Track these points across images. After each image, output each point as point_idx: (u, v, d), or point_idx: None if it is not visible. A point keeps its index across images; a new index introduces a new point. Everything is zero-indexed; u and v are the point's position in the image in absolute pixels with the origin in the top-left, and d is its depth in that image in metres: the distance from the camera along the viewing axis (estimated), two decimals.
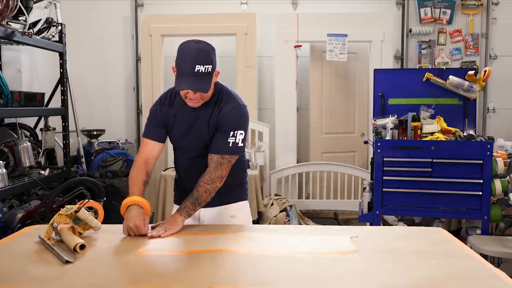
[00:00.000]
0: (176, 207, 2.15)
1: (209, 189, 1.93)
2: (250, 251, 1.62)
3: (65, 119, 3.85)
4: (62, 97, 3.85)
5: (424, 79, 3.65)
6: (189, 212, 1.92)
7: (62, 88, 3.85)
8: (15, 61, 4.22)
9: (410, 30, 5.02)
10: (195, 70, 1.80)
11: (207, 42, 1.91)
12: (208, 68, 1.84)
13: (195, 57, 1.82)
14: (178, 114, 2.03)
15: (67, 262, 1.49)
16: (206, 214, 2.10)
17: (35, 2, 3.29)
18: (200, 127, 1.99)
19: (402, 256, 1.58)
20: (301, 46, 4.78)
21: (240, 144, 1.97)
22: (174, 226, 1.86)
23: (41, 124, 3.85)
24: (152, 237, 1.78)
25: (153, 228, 1.88)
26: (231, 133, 1.94)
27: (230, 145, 1.94)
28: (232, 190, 2.10)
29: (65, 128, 3.87)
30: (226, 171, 1.96)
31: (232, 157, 1.97)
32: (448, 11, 4.97)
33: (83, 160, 4.56)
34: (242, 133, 1.96)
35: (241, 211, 2.13)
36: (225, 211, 2.09)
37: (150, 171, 2.05)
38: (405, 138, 3.34)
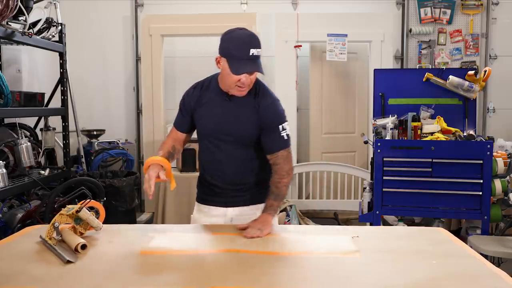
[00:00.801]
0: (198, 205, 2.16)
1: (286, 183, 2.00)
2: (250, 251, 1.62)
3: (65, 119, 3.85)
4: (62, 97, 3.85)
5: (424, 79, 3.65)
6: (275, 209, 1.97)
7: (62, 88, 3.85)
8: (15, 61, 4.22)
9: (410, 30, 5.02)
10: (250, 54, 1.84)
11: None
12: (259, 51, 1.88)
13: (248, 41, 1.86)
14: (210, 102, 2.03)
15: (68, 262, 1.50)
16: (233, 214, 2.08)
17: (35, 2, 3.29)
18: (236, 117, 1.99)
19: (402, 256, 1.58)
20: (301, 46, 4.78)
21: (289, 134, 2.04)
22: (266, 226, 1.87)
23: (41, 124, 3.85)
24: (247, 237, 1.79)
25: (241, 229, 1.88)
26: (280, 127, 1.99)
27: (285, 138, 2.00)
28: (261, 190, 2.09)
29: (65, 128, 3.87)
30: (291, 162, 2.04)
31: (290, 148, 2.03)
32: (448, 11, 4.97)
33: (83, 160, 4.56)
34: (287, 123, 2.03)
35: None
36: (255, 211, 2.07)
37: (177, 147, 2.08)
38: (405, 138, 3.34)
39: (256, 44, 1.87)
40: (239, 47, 1.86)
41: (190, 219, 2.24)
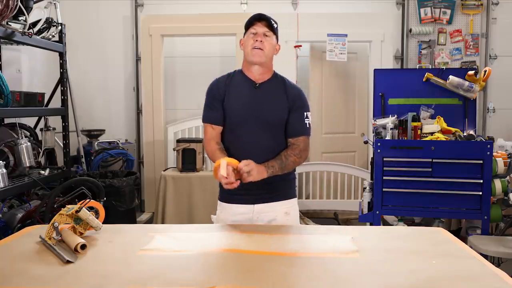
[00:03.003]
0: (221, 204, 2.15)
1: (295, 161, 2.05)
2: (250, 251, 1.62)
3: (65, 119, 3.85)
4: (62, 97, 3.85)
5: (424, 79, 3.65)
6: (274, 172, 1.99)
7: (62, 88, 3.85)
8: (15, 61, 4.23)
9: (410, 30, 5.02)
10: (265, 16, 2.05)
11: None
12: (275, 24, 2.07)
13: (263, 13, 2.08)
14: (239, 89, 2.08)
15: (68, 262, 1.49)
16: (261, 210, 2.08)
17: (35, 2, 3.29)
18: (266, 102, 2.04)
19: (402, 256, 1.58)
20: (301, 46, 4.78)
21: (311, 124, 2.13)
22: (257, 175, 1.90)
23: (41, 124, 3.85)
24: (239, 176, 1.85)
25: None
26: (305, 114, 2.09)
27: (308, 126, 2.10)
28: (288, 185, 2.12)
29: (65, 128, 3.87)
30: (308, 150, 2.10)
31: (309, 137, 2.11)
32: (448, 11, 4.97)
33: (83, 160, 4.56)
34: (310, 114, 2.13)
35: (293, 208, 2.16)
36: (280, 208, 2.09)
37: (218, 142, 2.10)
38: (405, 138, 3.34)
39: (271, 17, 2.06)
40: (254, 15, 2.07)
41: (211, 218, 2.23)
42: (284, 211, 2.10)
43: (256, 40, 2.02)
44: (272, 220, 2.08)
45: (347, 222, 4.63)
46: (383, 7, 5.07)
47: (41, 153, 3.62)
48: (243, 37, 2.09)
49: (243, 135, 2.06)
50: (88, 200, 1.84)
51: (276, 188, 2.08)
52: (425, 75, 3.64)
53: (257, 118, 2.04)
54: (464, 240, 3.04)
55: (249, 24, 2.05)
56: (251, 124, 2.04)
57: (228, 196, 2.12)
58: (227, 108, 2.07)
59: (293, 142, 2.08)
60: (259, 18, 2.04)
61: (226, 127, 2.10)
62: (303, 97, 2.13)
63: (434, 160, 3.17)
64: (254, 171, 1.89)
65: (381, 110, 3.69)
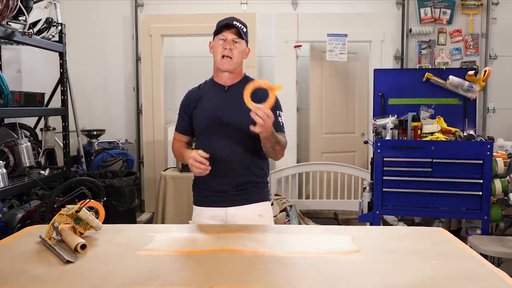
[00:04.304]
0: (196, 208, 2.17)
1: (283, 147, 2.03)
2: (250, 251, 1.62)
3: (65, 119, 3.85)
4: (62, 97, 3.85)
5: (424, 79, 3.65)
6: (274, 138, 1.93)
7: (62, 88, 3.85)
8: (15, 61, 4.23)
9: (410, 30, 5.02)
10: (233, 22, 2.04)
11: None
12: (244, 28, 2.06)
13: (232, 17, 2.07)
14: (208, 95, 2.10)
15: (68, 262, 1.49)
16: (234, 213, 2.09)
17: (35, 2, 3.29)
18: (235, 105, 2.02)
19: (402, 256, 1.58)
20: (301, 46, 4.78)
21: (284, 124, 2.13)
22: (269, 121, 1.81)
23: (41, 124, 3.85)
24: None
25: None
26: (277, 112, 2.07)
27: (281, 123, 2.09)
28: (260, 188, 2.13)
29: (65, 128, 3.87)
30: (286, 143, 2.08)
31: (285, 135, 2.10)
32: (448, 11, 4.97)
33: (83, 160, 4.56)
34: (283, 113, 2.13)
35: (267, 210, 2.16)
36: (254, 211, 2.10)
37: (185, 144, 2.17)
38: (405, 138, 3.34)
39: (240, 21, 2.06)
40: (223, 20, 2.07)
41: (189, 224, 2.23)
42: (258, 213, 2.10)
43: (225, 48, 2.03)
44: (247, 221, 2.07)
45: (347, 222, 4.63)
46: (383, 7, 5.07)
47: (41, 153, 3.62)
48: (213, 39, 2.10)
49: (214, 138, 2.06)
50: (88, 200, 1.84)
51: (249, 191, 2.09)
52: (425, 75, 3.64)
53: (227, 120, 2.04)
54: (464, 240, 3.04)
55: (218, 30, 2.06)
56: (223, 126, 2.04)
57: (202, 198, 2.15)
58: (197, 115, 2.10)
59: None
60: (228, 25, 2.04)
61: (198, 133, 2.13)
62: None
63: (434, 160, 3.17)
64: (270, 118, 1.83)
65: (381, 110, 3.69)
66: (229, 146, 2.05)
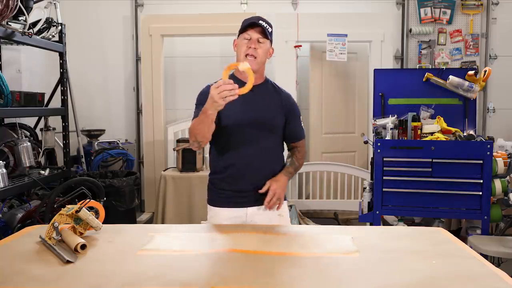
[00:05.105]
0: (212, 208, 2.15)
1: (302, 163, 2.20)
2: (250, 251, 1.62)
3: (65, 119, 3.85)
4: (62, 97, 3.85)
5: (424, 79, 3.65)
6: (290, 176, 2.14)
7: (62, 88, 3.85)
8: (15, 61, 4.23)
9: (410, 30, 5.02)
10: (259, 22, 2.02)
11: None
12: (269, 28, 2.06)
13: (258, 17, 2.07)
14: None
15: (68, 262, 1.49)
16: (255, 213, 2.09)
17: (35, 2, 3.29)
18: (261, 105, 2.07)
19: (402, 256, 1.58)
20: (301, 46, 4.78)
21: None
22: (283, 191, 2.05)
23: (41, 124, 3.85)
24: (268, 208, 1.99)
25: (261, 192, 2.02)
26: (300, 117, 2.20)
27: (303, 129, 2.22)
28: None
29: (65, 128, 3.87)
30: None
31: None
32: (448, 11, 4.97)
33: (83, 160, 4.56)
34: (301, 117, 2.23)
35: (285, 210, 2.17)
36: (274, 210, 2.09)
37: None
38: (405, 138, 3.34)
39: (266, 21, 2.05)
40: (249, 19, 2.05)
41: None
42: (278, 213, 2.10)
43: (250, 47, 2.02)
44: (267, 221, 2.07)
45: (347, 222, 4.63)
46: (383, 7, 5.07)
47: (41, 153, 3.63)
48: (237, 38, 2.09)
49: (241, 136, 2.05)
50: (88, 200, 1.84)
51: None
52: (425, 75, 3.64)
53: (255, 119, 2.05)
54: (464, 240, 3.04)
55: (243, 29, 2.05)
56: (249, 125, 2.04)
57: (221, 199, 2.12)
58: (222, 112, 2.01)
59: (296, 146, 2.20)
60: (253, 24, 2.02)
61: (222, 132, 2.05)
62: (294, 101, 2.22)
63: (434, 160, 3.17)
64: (280, 189, 2.04)
65: (381, 110, 3.69)
66: (251, 145, 2.05)
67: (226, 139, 2.08)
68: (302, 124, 2.22)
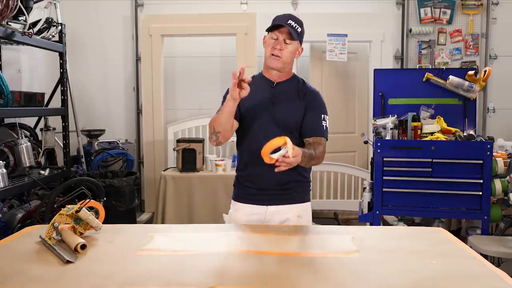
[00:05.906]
0: (235, 203, 2.15)
1: (319, 158, 1.99)
2: (250, 251, 1.62)
3: (65, 119, 3.86)
4: (62, 97, 3.85)
5: (424, 79, 3.65)
6: (305, 156, 1.89)
7: (62, 88, 3.85)
8: (15, 61, 4.23)
9: (410, 30, 5.02)
10: (287, 22, 1.99)
11: None
12: (298, 28, 2.03)
13: (289, 16, 2.03)
14: (257, 89, 2.02)
15: (68, 262, 1.49)
16: (274, 212, 2.08)
17: (35, 2, 3.29)
18: (283, 102, 2.05)
19: (402, 256, 1.58)
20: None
21: (328, 128, 2.12)
22: (295, 160, 1.80)
23: (41, 124, 3.85)
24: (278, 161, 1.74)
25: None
26: (322, 116, 2.09)
27: (325, 128, 2.10)
28: (304, 187, 2.13)
29: (65, 128, 3.87)
30: (324, 153, 2.06)
31: (326, 141, 2.09)
32: (448, 11, 4.97)
33: (83, 160, 4.56)
34: (327, 118, 2.13)
35: (306, 212, 2.15)
36: (294, 211, 2.09)
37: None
38: (405, 138, 3.34)
39: (296, 20, 2.02)
40: (278, 17, 2.04)
41: (223, 217, 2.23)
42: (298, 214, 2.10)
43: (275, 48, 2.01)
44: (285, 221, 2.08)
45: (347, 222, 4.63)
46: (383, 7, 5.06)
47: (41, 153, 3.63)
48: (267, 34, 2.07)
49: (259, 130, 2.04)
50: (88, 200, 1.84)
51: (292, 190, 2.09)
52: (425, 75, 3.64)
53: (273, 115, 2.04)
54: (464, 240, 3.04)
55: (271, 28, 2.03)
56: (267, 120, 2.04)
57: (244, 195, 2.13)
58: (244, 105, 2.04)
59: (310, 142, 2.04)
60: (280, 26, 2.00)
61: (243, 125, 2.08)
62: (320, 99, 2.14)
63: (434, 160, 3.17)
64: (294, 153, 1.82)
65: (381, 110, 3.69)
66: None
67: (247, 136, 2.10)
68: (325, 124, 2.09)
